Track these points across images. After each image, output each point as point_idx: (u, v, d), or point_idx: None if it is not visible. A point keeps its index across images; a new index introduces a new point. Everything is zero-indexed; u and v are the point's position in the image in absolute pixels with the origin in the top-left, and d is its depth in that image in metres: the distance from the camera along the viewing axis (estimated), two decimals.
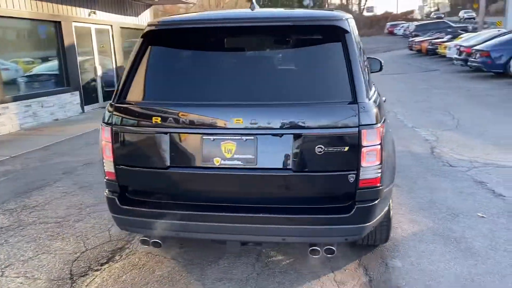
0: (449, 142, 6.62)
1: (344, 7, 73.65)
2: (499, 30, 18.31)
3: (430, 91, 12.30)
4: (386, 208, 2.84)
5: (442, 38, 26.17)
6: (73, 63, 10.83)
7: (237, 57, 2.82)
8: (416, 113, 9.18)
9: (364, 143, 2.45)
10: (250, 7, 3.05)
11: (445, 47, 22.19)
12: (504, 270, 3.05)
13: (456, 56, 17.74)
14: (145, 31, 2.86)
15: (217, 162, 2.54)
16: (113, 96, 2.79)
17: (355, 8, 77.06)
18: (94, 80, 12.07)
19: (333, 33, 2.65)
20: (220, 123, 2.51)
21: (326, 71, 2.63)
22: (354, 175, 2.48)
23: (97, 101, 12.17)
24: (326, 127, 2.45)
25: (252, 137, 2.50)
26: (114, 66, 13.02)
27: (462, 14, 57.48)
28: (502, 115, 8.50)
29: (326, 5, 59.70)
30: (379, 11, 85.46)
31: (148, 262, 3.32)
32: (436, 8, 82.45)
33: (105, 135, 2.73)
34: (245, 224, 2.56)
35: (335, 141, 2.46)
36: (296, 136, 2.48)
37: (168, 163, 2.60)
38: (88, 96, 11.74)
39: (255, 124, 2.48)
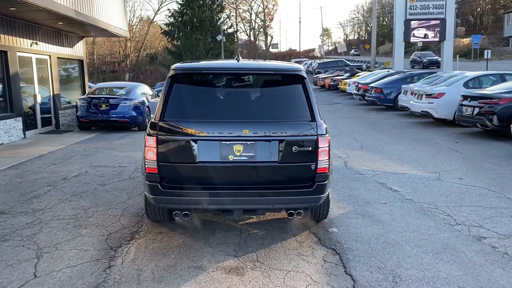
0: (357, 158, 8.62)
1: (252, 44, 78.10)
2: (388, 71, 21.85)
3: (337, 120, 14.67)
4: (328, 190, 4.47)
5: (342, 75, 29.88)
6: (16, 90, 11.35)
7: (239, 91, 4.36)
8: None
9: (320, 145, 4.08)
10: (235, 59, 4.60)
11: (345, 84, 25.58)
12: (400, 229, 4.82)
13: (355, 91, 20.81)
14: (170, 73, 4.25)
15: (231, 158, 3.99)
16: (155, 116, 4.12)
17: (261, 44, 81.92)
18: (34, 107, 12.55)
19: (298, 79, 4.30)
20: (232, 133, 3.97)
21: (295, 101, 4.25)
22: (314, 165, 4.08)
23: (36, 127, 12.63)
24: (298, 136, 4.05)
25: (252, 142, 4.00)
26: (52, 94, 13.57)
27: (352, 51, 65.31)
28: (394, 138, 10.87)
29: (237, 41, 63.04)
30: (283, 48, 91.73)
31: (163, 238, 4.57)
32: (333, 47, 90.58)
33: (150, 142, 4.03)
34: (247, 197, 4.02)
35: (303, 144, 4.05)
36: (280, 141, 4.03)
37: (197, 159, 3.99)
38: (28, 122, 12.19)
39: (255, 134, 3.98)
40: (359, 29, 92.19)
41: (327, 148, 4.14)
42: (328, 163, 4.16)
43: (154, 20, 64.30)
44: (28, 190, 6.45)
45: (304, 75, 4.33)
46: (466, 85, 12.42)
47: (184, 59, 49.66)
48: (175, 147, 4.04)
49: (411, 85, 15.68)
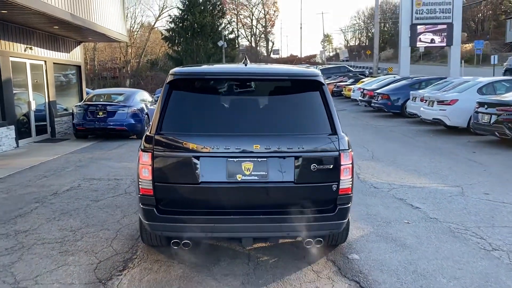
0: (369, 169, 8.04)
1: (254, 49, 77.81)
2: (394, 76, 21.32)
3: (343, 128, 14.09)
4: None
5: (346, 81, 29.36)
6: (9, 97, 10.81)
7: (247, 100, 3.79)
8: None
9: (342, 162, 3.51)
10: (243, 62, 4.04)
11: (349, 90, 25.05)
12: (430, 256, 4.23)
13: (361, 98, 20.27)
14: (168, 79, 3.69)
15: (239, 177, 3.42)
16: (150, 129, 3.56)
17: (263, 50, 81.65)
18: (28, 114, 12.02)
19: (316, 85, 3.74)
20: (241, 148, 3.41)
21: (313, 111, 3.69)
22: (336, 185, 3.51)
23: (30, 136, 12.08)
24: (317, 151, 3.48)
25: (264, 159, 3.43)
26: (47, 101, 13.04)
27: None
28: (405, 147, 10.29)
29: (238, 47, 62.70)
30: (284, 54, 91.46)
31: (161, 267, 3.98)
32: (334, 53, 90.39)
33: (144, 159, 3.47)
34: (258, 224, 3.44)
35: (323, 161, 3.48)
36: (296, 158, 3.46)
37: (199, 179, 3.42)
38: (22, 130, 11.65)
39: (267, 149, 3.42)
40: (360, 35, 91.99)
41: (350, 165, 3.57)
42: (351, 182, 3.60)
43: (155, 26, 64.08)
44: (14, 207, 5.88)
45: (322, 80, 3.77)
46: (480, 91, 11.86)
47: (184, 64, 49.24)
48: (174, 165, 3.47)
49: (420, 91, 15.14)
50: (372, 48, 41.03)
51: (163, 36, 55.44)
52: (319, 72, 3.88)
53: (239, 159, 3.42)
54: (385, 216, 5.41)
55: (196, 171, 3.41)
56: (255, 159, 3.43)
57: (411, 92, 15.44)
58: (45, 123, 13.02)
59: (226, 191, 3.46)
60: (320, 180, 3.50)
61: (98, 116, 12.24)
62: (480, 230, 4.87)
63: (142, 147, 3.52)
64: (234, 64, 4.64)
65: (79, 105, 12.63)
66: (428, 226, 5.04)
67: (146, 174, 3.47)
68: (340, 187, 3.52)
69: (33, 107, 12.20)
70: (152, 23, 65.11)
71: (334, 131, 3.57)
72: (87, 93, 15.81)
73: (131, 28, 63.87)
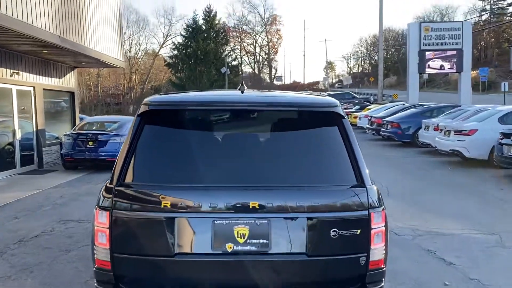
0: (387, 210, 7.02)
1: (257, 76, 77.82)
2: (403, 104, 20.47)
3: None
4: None
5: (351, 108, 28.55)
6: None
7: (243, 139, 2.86)
8: None
9: (373, 225, 2.55)
10: (238, 88, 3.15)
11: (355, 117, 24.18)
12: None
13: (368, 126, 19.38)
14: (140, 110, 2.79)
15: (230, 248, 2.46)
16: (111, 177, 2.63)
17: (266, 76, 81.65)
18: (11, 144, 11.15)
19: (333, 118, 2.82)
20: (232, 206, 2.46)
21: (331, 153, 2.75)
22: (365, 257, 2.54)
23: (13, 167, 11.19)
24: (337, 210, 2.52)
25: (265, 221, 2.48)
26: (35, 129, 12.19)
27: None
28: (423, 183, 9.30)
29: (241, 73, 62.56)
30: (287, 80, 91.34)
31: None
32: (337, 79, 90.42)
33: (101, 220, 2.53)
34: None
35: (347, 224, 2.52)
36: (310, 219, 2.50)
37: (174, 250, 2.46)
38: (4, 161, 10.76)
39: (269, 207, 2.47)
40: (362, 62, 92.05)
41: (383, 228, 2.62)
42: (384, 252, 2.63)
43: (159, 53, 64.22)
44: None
45: (342, 112, 2.85)
46: (501, 120, 10.93)
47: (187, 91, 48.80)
48: (141, 229, 2.52)
49: (433, 119, 14.22)
50: (375, 75, 40.51)
51: (166, 63, 55.36)
52: (336, 101, 2.96)
53: (230, 221, 2.47)
54: (416, 276, 4.40)
55: (170, 239, 2.46)
56: (253, 221, 2.48)
57: (423, 120, 14.54)
58: (32, 152, 12.14)
59: (212, 267, 2.49)
60: (343, 251, 2.54)
61: (88, 145, 11.36)
62: None
63: (99, 203, 2.58)
64: (227, 91, 3.77)
65: (68, 134, 11.76)
66: None
67: (102, 240, 2.52)
68: (370, 259, 2.55)
69: (19, 136, 11.34)
70: (157, 50, 65.30)
71: (360, 181, 2.63)
72: (81, 120, 14.99)
73: (136, 55, 64.13)
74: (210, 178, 2.60)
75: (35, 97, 12.13)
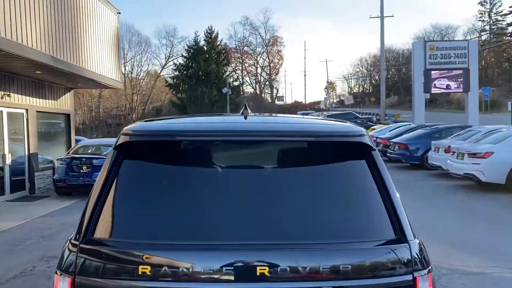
0: None
1: (258, 96, 77.76)
2: (410, 124, 19.92)
3: None
4: None
5: None
6: None
7: (247, 179, 2.23)
8: None
9: None
10: (241, 112, 2.58)
11: None
12: None
13: None
14: (119, 141, 2.22)
15: None
16: (76, 230, 2.04)
17: (267, 96, 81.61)
18: (1, 168, 10.57)
19: (360, 150, 2.24)
20: (233, 270, 1.86)
21: (359, 198, 2.16)
22: None
23: (3, 193, 10.58)
24: (373, 276, 1.91)
25: None
26: (27, 153, 11.62)
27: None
28: (440, 210, 8.66)
29: (242, 94, 62.40)
30: (288, 100, 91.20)
31: None
32: (338, 99, 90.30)
33: (62, 285, 1.92)
34: None
35: None
36: None
37: None
38: None
39: (282, 272, 1.86)
40: (363, 82, 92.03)
41: None
42: None
43: (161, 74, 64.27)
44: None
45: (370, 142, 2.27)
46: None
47: (188, 111, 48.53)
48: None
49: (443, 140, 13.65)
50: (376, 95, 40.19)
51: (167, 84, 55.25)
52: (362, 129, 2.38)
53: None
54: None
55: None
56: None
57: (432, 142, 13.95)
58: (23, 177, 11.55)
59: None
60: None
61: (82, 170, 10.78)
62: None
63: (60, 265, 1.98)
64: (228, 116, 3.21)
65: (61, 158, 11.19)
66: None
67: None
68: None
69: (8, 160, 10.76)
70: (159, 71, 65.39)
71: (400, 233, 2.03)
72: (77, 142, 14.44)
73: (137, 76, 64.23)
74: (204, 233, 2.01)
75: (27, 119, 11.60)
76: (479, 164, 10.23)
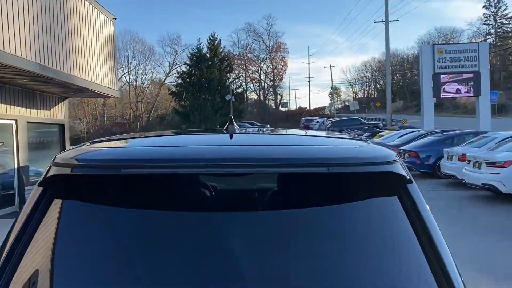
0: None
1: (262, 103, 77.24)
2: (419, 131, 19.18)
3: None
4: None
5: (361, 135, 27.32)
6: None
7: (231, 227, 1.52)
8: None
9: None
10: (225, 128, 1.92)
11: None
12: None
13: None
14: (48, 174, 1.56)
15: None
16: None
17: (271, 103, 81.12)
18: None
19: (390, 183, 1.56)
20: None
21: (390, 247, 1.48)
22: None
23: None
24: None
25: None
26: (16, 166, 11.01)
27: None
28: (457, 226, 7.93)
29: (246, 100, 61.90)
30: (292, 106, 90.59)
31: None
32: (343, 105, 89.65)
33: None
34: None
35: None
36: None
37: None
38: None
39: None
40: (368, 87, 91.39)
41: None
42: None
43: (165, 82, 64.08)
44: None
45: (404, 171, 1.60)
46: None
47: (191, 119, 48.05)
48: None
49: (457, 148, 12.93)
50: (381, 100, 39.47)
51: (170, 92, 54.91)
52: (392, 152, 1.69)
53: None
54: None
55: None
56: None
57: (444, 149, 13.24)
58: (12, 192, 10.93)
59: None
60: None
61: None
62: None
63: None
64: (207, 133, 2.51)
65: None
66: None
67: None
68: None
69: None
70: (163, 79, 65.22)
71: None
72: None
73: (142, 84, 64.10)
74: None
75: (17, 131, 10.99)
76: (498, 174, 9.51)
